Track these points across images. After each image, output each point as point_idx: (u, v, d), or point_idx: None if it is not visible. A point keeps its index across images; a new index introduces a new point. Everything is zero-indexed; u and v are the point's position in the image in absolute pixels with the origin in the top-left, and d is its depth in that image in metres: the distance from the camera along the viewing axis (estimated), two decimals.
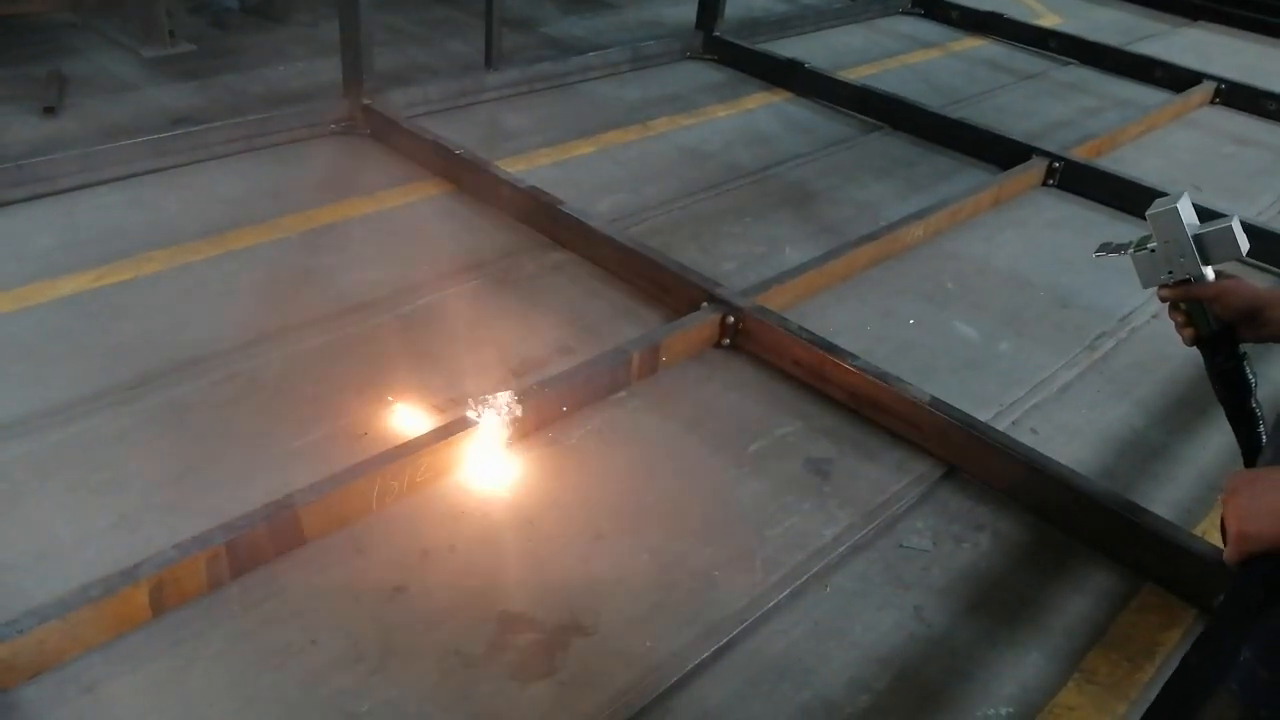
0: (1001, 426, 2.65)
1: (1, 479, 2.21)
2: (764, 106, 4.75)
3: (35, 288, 2.87)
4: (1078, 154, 4.26)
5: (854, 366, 2.68)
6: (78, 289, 2.88)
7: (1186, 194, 1.57)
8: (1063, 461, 2.45)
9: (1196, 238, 1.52)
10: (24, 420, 2.38)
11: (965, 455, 2.53)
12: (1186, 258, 1.53)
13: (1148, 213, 1.56)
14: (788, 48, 5.28)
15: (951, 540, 2.35)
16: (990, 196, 3.90)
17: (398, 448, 2.28)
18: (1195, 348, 1.62)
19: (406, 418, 2.52)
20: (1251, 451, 1.60)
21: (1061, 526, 2.40)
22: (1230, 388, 1.59)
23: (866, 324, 3.12)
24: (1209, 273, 1.54)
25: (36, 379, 2.52)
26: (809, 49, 5.34)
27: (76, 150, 3.39)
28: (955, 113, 4.61)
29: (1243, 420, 1.60)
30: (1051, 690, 2.01)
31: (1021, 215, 3.91)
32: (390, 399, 2.58)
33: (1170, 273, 1.55)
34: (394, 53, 4.82)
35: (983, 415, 2.65)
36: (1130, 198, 3.95)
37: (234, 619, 1.96)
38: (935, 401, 2.57)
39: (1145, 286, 1.61)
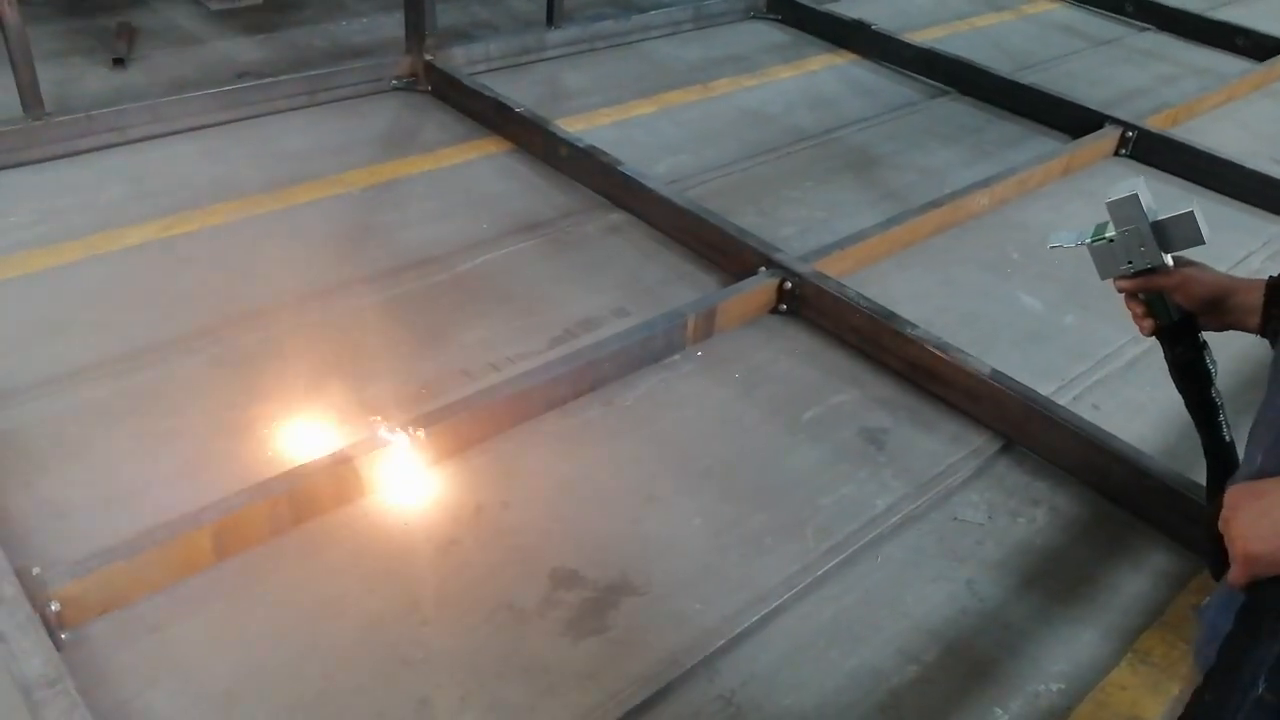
0: (1063, 401, 2.60)
1: (71, 423, 2.28)
2: (828, 68, 4.67)
3: (104, 236, 2.93)
4: (1152, 123, 4.12)
5: (913, 336, 2.64)
6: (145, 239, 2.94)
7: (1143, 180, 1.51)
8: (1125, 439, 2.40)
9: (1156, 225, 1.47)
10: (93, 366, 2.44)
11: (1024, 429, 2.49)
12: (1147, 247, 1.47)
13: (1105, 201, 1.50)
14: (854, 8, 5.17)
15: (1007, 514, 2.32)
16: (1060, 165, 3.80)
17: (453, 404, 2.31)
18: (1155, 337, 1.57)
19: (464, 374, 2.54)
20: (1210, 441, 1.56)
21: (1121, 504, 2.36)
22: (1191, 378, 1.54)
23: (928, 293, 3.07)
24: (1169, 261, 1.49)
25: (105, 326, 2.58)
26: (875, 10, 5.22)
27: (145, 102, 3.45)
28: (1025, 78, 4.48)
29: (1202, 410, 1.56)
30: (1104, 669, 1.99)
31: (1092, 186, 3.80)
32: (448, 355, 2.60)
33: (1130, 263, 1.49)
34: (456, 9, 4.81)
35: (1044, 389, 2.60)
36: (1207, 170, 3.84)
37: (294, 566, 2.00)
38: (996, 374, 2.53)
39: (1104, 278, 1.55)
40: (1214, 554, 1.15)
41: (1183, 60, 5.19)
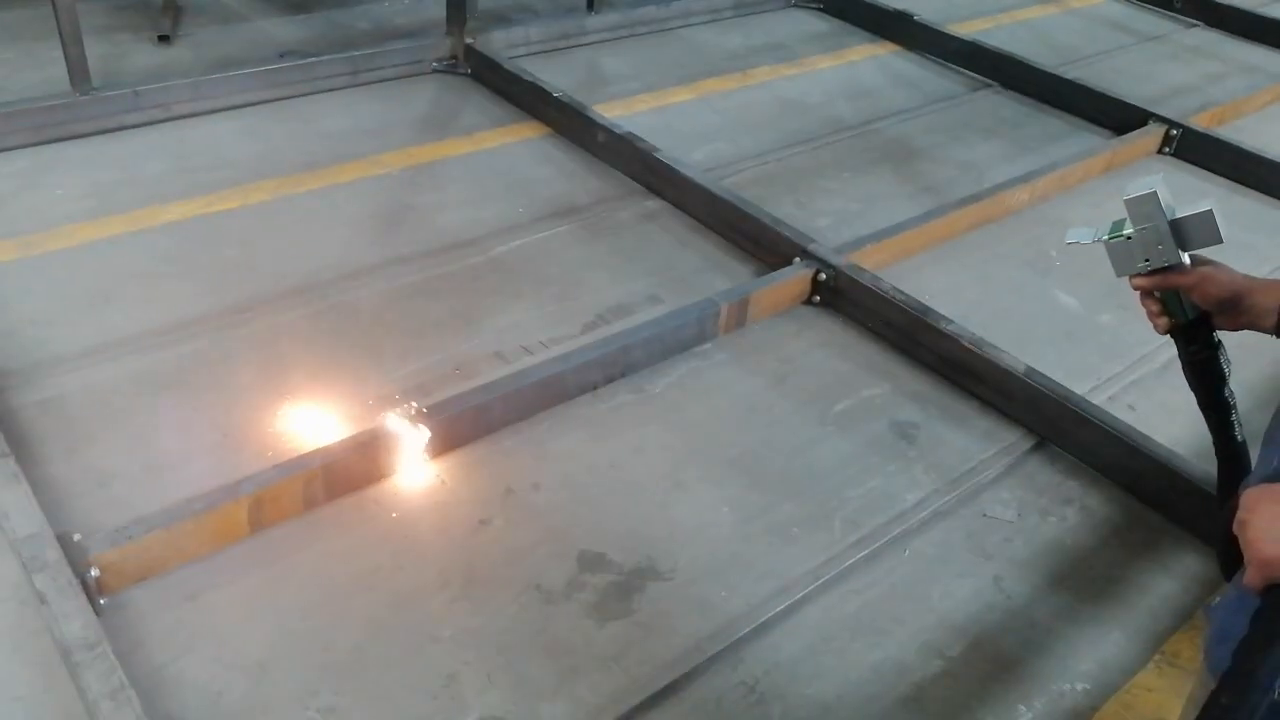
0: (1098, 401, 2.58)
1: (114, 394, 2.32)
2: (869, 59, 4.63)
3: (148, 211, 2.97)
4: (1198, 121, 4.06)
5: (948, 331, 2.63)
6: (188, 214, 2.98)
7: (1163, 178, 1.49)
8: (1160, 440, 2.37)
9: (1175, 223, 1.45)
10: (136, 338, 2.49)
11: (1058, 428, 2.47)
12: (1165, 245, 1.46)
13: (1124, 198, 1.48)
14: None
15: (1037, 513, 2.31)
16: (1102, 162, 3.76)
17: (485, 386, 2.33)
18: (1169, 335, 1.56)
19: (497, 357, 2.56)
20: (1222, 441, 1.55)
21: (1154, 506, 2.34)
22: (1204, 377, 1.53)
23: (963, 288, 3.05)
24: (1186, 259, 1.47)
25: (148, 300, 2.62)
26: (919, 0, 5.17)
27: (189, 79, 3.49)
28: (1070, 73, 4.43)
29: (1215, 410, 1.55)
30: (1131, 670, 1.98)
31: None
32: (481, 338, 2.62)
33: (1147, 260, 1.48)
34: None
35: (1079, 388, 2.58)
36: (1252, 170, 3.77)
37: (327, 540, 2.04)
38: (1030, 371, 2.51)
39: (1120, 275, 1.54)
40: (1225, 553, 1.15)
41: (1231, 57, 5.10)
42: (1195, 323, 1.50)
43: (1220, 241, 1.44)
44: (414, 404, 2.27)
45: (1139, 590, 2.15)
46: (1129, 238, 1.48)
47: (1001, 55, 4.48)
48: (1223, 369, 1.52)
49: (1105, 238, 1.51)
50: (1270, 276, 1.48)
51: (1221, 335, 1.51)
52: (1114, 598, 2.13)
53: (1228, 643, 1.04)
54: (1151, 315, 1.53)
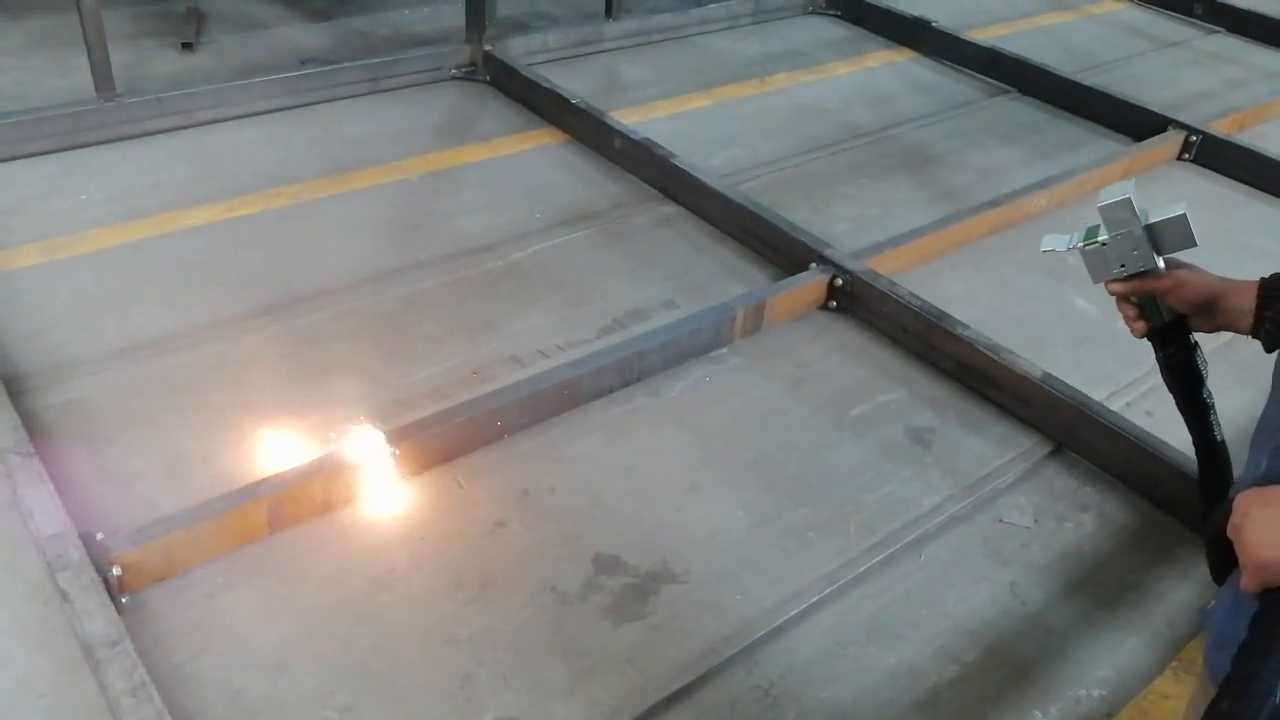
0: (1115, 407, 2.57)
1: (136, 396, 2.35)
2: (886, 65, 4.63)
3: (170, 216, 3.01)
4: (1218, 128, 4.04)
5: (964, 336, 2.63)
6: (210, 219, 3.02)
7: (1134, 182, 1.49)
8: (1177, 447, 2.36)
9: (1149, 228, 1.45)
10: (158, 341, 2.52)
11: (1075, 433, 2.47)
12: (1140, 250, 1.46)
13: (1098, 205, 1.48)
14: (915, 4, 5.11)
15: (1054, 519, 2.30)
16: (1120, 168, 3.74)
17: (502, 389, 2.35)
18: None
19: (514, 361, 2.58)
20: (1202, 441, 1.55)
21: (1171, 513, 2.33)
22: (1181, 379, 1.53)
23: (980, 294, 3.04)
24: (1161, 264, 1.47)
25: (170, 303, 2.65)
26: (937, 6, 5.17)
27: (212, 86, 3.53)
28: (1088, 79, 4.41)
29: (1193, 411, 1.55)
30: (1148, 676, 1.97)
31: (1153, 190, 3.72)
32: (499, 342, 2.64)
33: (1122, 266, 1.48)
34: None
35: (1097, 394, 2.57)
36: (1273, 177, 3.75)
37: (345, 541, 2.05)
38: (1047, 377, 2.51)
39: (1096, 281, 1.54)
40: (1215, 557, 1.15)
41: (1253, 63, 5.07)
42: (1172, 326, 1.51)
43: (1194, 245, 1.44)
44: (431, 407, 2.29)
45: (1156, 597, 2.14)
46: (1104, 244, 1.49)
47: (1020, 61, 4.47)
48: (1200, 370, 1.53)
49: (1080, 244, 1.52)
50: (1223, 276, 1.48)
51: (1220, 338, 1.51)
52: (1131, 604, 2.12)
53: (1226, 648, 1.04)
54: (1128, 319, 1.54)
